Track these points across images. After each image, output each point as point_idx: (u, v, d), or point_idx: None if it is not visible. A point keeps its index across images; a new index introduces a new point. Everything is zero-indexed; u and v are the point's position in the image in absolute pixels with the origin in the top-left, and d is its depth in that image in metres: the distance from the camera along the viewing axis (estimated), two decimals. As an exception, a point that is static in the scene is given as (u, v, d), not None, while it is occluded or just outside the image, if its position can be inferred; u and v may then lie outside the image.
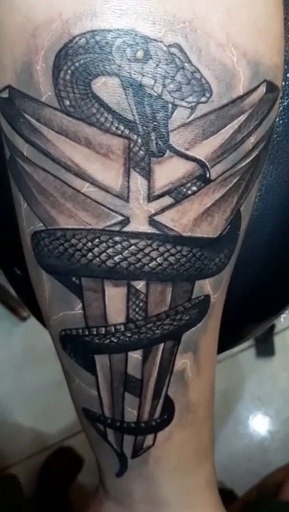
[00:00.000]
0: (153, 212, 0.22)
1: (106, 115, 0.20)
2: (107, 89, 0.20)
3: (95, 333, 0.24)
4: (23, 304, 1.05)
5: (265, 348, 1.07)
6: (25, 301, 0.38)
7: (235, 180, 0.23)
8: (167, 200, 0.22)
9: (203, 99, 0.20)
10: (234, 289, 0.28)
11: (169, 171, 0.21)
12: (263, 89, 0.21)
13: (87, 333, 0.25)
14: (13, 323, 1.05)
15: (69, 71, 0.20)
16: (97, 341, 0.25)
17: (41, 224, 0.23)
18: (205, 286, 0.24)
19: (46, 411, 1.00)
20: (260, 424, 1.07)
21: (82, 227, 0.22)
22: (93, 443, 0.30)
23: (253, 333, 0.43)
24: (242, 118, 0.21)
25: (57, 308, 0.25)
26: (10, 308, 1.02)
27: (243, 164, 0.22)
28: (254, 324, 0.42)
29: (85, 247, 0.22)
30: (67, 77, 0.20)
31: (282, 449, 1.05)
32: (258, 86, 0.21)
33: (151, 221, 0.22)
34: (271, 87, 0.22)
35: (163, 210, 0.22)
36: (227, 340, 0.34)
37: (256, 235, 0.33)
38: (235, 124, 0.21)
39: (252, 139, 0.22)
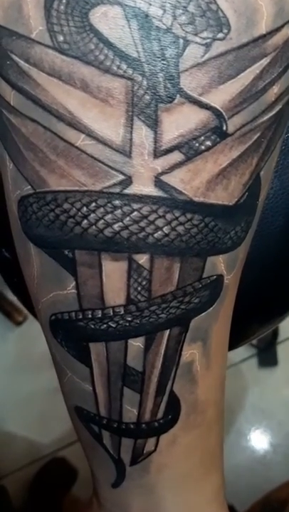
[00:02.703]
0: (160, 170, 0.18)
1: (106, 52, 0.17)
2: (108, 20, 0.17)
3: (90, 316, 0.21)
4: (17, 308, 1.01)
5: (268, 357, 1.03)
6: (15, 289, 0.35)
7: (255, 137, 0.19)
8: (177, 156, 0.18)
9: (220, 35, 0.17)
10: (241, 280, 0.25)
11: (179, 121, 0.18)
12: (287, 30, 0.18)
13: (80, 317, 0.21)
14: (7, 327, 1.01)
15: (64, 0, 0.17)
16: (93, 327, 0.21)
17: (29, 187, 0.20)
18: (218, 264, 0.21)
19: (40, 420, 0.96)
20: (262, 437, 1.03)
21: (76, 188, 0.19)
22: (87, 448, 0.26)
23: (256, 334, 0.40)
24: (264, 62, 0.18)
25: (47, 289, 0.22)
26: (4, 313, 0.99)
27: (265, 118, 0.19)
28: (259, 324, 0.39)
29: (80, 213, 0.19)
30: (62, 7, 0.17)
31: (284, 463, 1.01)
32: (283, 26, 0.18)
33: (158, 182, 0.19)
34: None
35: (171, 168, 0.18)
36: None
37: (270, 217, 0.30)
38: (256, 69, 0.18)
39: (275, 89, 0.19)
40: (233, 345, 0.37)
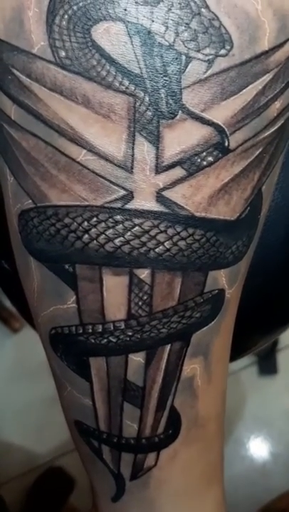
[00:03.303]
0: (161, 186, 0.18)
1: (108, 68, 0.17)
2: (110, 36, 0.17)
3: (90, 331, 0.21)
4: (15, 315, 1.01)
5: (268, 365, 1.03)
6: (14, 300, 0.34)
7: (257, 153, 0.19)
8: (178, 172, 0.18)
9: (223, 51, 0.17)
10: (242, 292, 0.25)
11: (181, 137, 0.18)
12: (290, 46, 0.18)
13: (81, 331, 0.21)
14: (4, 334, 1.01)
15: (66, 16, 0.17)
16: (93, 341, 0.21)
17: (30, 201, 0.20)
18: (219, 279, 0.21)
19: (37, 428, 0.95)
20: (261, 447, 1.02)
21: (78, 203, 0.19)
22: (86, 462, 0.26)
23: (257, 346, 0.40)
24: (267, 78, 0.18)
25: (47, 302, 0.21)
26: (1, 319, 0.98)
27: (267, 134, 0.19)
28: (260, 335, 0.38)
29: (81, 228, 0.19)
30: (64, 23, 0.17)
31: (284, 473, 1.00)
32: (285, 42, 0.18)
33: (159, 197, 0.19)
34: None
35: (173, 184, 0.18)
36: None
37: (271, 229, 0.30)
38: (258, 85, 0.18)
39: (277, 105, 0.19)
40: (234, 356, 0.36)
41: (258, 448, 1.01)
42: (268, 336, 0.38)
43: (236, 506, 0.97)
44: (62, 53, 0.17)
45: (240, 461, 1.01)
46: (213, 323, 0.22)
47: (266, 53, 0.18)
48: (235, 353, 0.37)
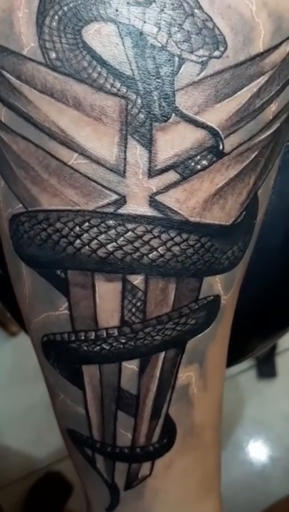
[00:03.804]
0: (154, 190, 0.18)
1: (99, 70, 0.17)
2: (101, 38, 0.16)
3: (82, 338, 0.21)
4: (12, 319, 1.00)
5: (267, 369, 1.02)
6: (8, 306, 0.34)
7: (252, 156, 0.19)
8: (172, 176, 0.18)
9: (217, 53, 0.17)
10: (240, 297, 0.24)
11: (174, 140, 0.17)
12: (286, 48, 0.18)
13: (73, 338, 0.21)
14: (1, 338, 1.00)
15: (56, 16, 0.17)
16: (86, 348, 0.21)
17: (21, 205, 0.19)
18: (215, 285, 0.21)
19: (34, 433, 0.94)
20: (261, 451, 1.02)
21: (69, 208, 0.18)
22: (80, 471, 0.25)
23: (256, 351, 0.39)
24: (262, 80, 0.18)
25: (38, 309, 0.21)
26: (-1, 323, 0.98)
27: (263, 137, 0.19)
28: (258, 340, 0.38)
29: (72, 233, 0.19)
30: (54, 24, 0.17)
31: (284, 477, 1.00)
32: (281, 44, 0.18)
33: (152, 202, 0.18)
34: None
35: (167, 188, 0.18)
36: (227, 357, 0.30)
37: (268, 233, 0.29)
38: (253, 87, 0.18)
39: (273, 107, 0.19)
40: (232, 361, 0.36)
41: (257, 452, 1.01)
42: (266, 341, 0.38)
43: (235, 510, 0.97)
44: (53, 55, 0.17)
45: (239, 465, 1.00)
46: (208, 329, 0.21)
47: (261, 55, 0.18)
48: (233, 359, 0.36)
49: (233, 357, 0.36)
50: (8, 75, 0.18)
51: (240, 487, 0.97)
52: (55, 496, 0.91)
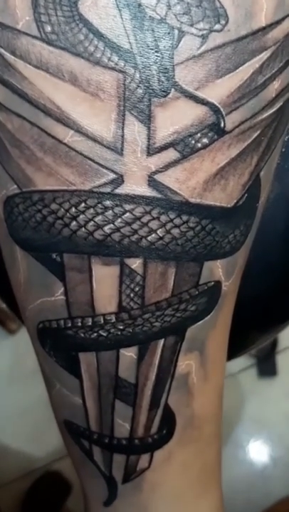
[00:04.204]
0: (153, 169, 0.17)
1: (96, 43, 0.16)
2: (98, 10, 0.16)
3: (79, 325, 0.20)
4: (11, 316, 0.99)
5: (267, 367, 1.02)
6: (3, 295, 0.33)
7: (255, 135, 0.18)
8: (172, 154, 0.17)
9: (218, 26, 0.16)
10: (240, 287, 0.24)
11: (174, 117, 0.17)
12: (288, 23, 0.17)
13: (69, 325, 0.20)
14: (0, 336, 0.99)
15: (51, -12, 0.16)
16: (82, 335, 0.20)
17: (15, 186, 0.19)
18: (216, 270, 0.20)
19: (34, 432, 0.94)
20: (261, 450, 1.01)
21: (65, 187, 0.18)
22: (77, 464, 0.25)
23: (255, 344, 0.39)
24: (264, 56, 0.17)
25: (34, 295, 0.20)
26: (-2, 321, 0.97)
27: (265, 115, 0.18)
28: (258, 333, 0.37)
29: (68, 215, 0.18)
30: (49, -5, 0.16)
31: (284, 477, 0.99)
32: (284, 19, 0.17)
33: (151, 181, 0.18)
34: None
35: (166, 167, 0.17)
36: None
37: (271, 221, 0.29)
38: (255, 63, 0.17)
39: (276, 85, 0.18)
40: (231, 355, 0.35)
41: (258, 451, 1.00)
42: (266, 334, 0.37)
43: (235, 510, 0.96)
44: (48, 28, 0.16)
45: (239, 465, 1.00)
46: (209, 317, 0.21)
47: (263, 30, 0.17)
48: (233, 352, 0.36)
49: (233, 350, 0.35)
50: (2, 51, 0.17)
51: (241, 486, 0.96)
52: (53, 495, 0.90)
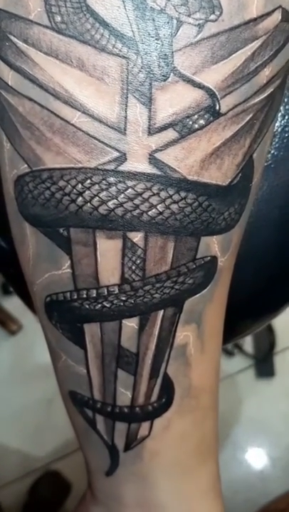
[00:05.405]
0: (154, 148, 0.19)
1: (102, 31, 0.18)
2: (104, 1, 0.17)
3: (84, 296, 0.21)
4: (12, 318, 1.00)
5: (265, 368, 1.03)
6: (11, 280, 0.35)
7: (247, 118, 0.20)
8: (171, 134, 0.19)
9: (213, 16, 0.18)
10: (234, 274, 0.25)
11: (173, 99, 0.18)
12: (278, 15, 0.19)
13: (75, 297, 0.21)
14: (1, 336, 1.00)
15: (61, -18, 0.18)
16: (87, 307, 0.21)
17: (25, 166, 0.20)
18: (212, 245, 0.21)
19: (34, 432, 0.94)
20: (259, 450, 1.01)
21: (72, 165, 0.19)
22: (81, 435, 0.26)
23: (248, 331, 0.40)
24: (255, 44, 0.19)
25: (42, 269, 0.22)
26: (-1, 321, 0.98)
27: (257, 100, 0.20)
28: (252, 319, 0.38)
29: (75, 191, 0.19)
30: (59, -12, 0.18)
31: (283, 477, 0.99)
32: (273, 11, 0.19)
33: (152, 159, 0.19)
34: (287, 15, 0.19)
35: (165, 146, 0.19)
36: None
37: (265, 209, 0.30)
38: (247, 51, 0.19)
39: (266, 72, 0.20)
40: (226, 339, 0.37)
41: (256, 451, 1.00)
42: (260, 320, 0.38)
43: (234, 510, 0.96)
44: (58, 18, 0.18)
45: (237, 465, 1.00)
46: (205, 291, 0.22)
47: (254, 20, 0.19)
48: (227, 336, 0.37)
49: (227, 335, 0.36)
50: (15, 40, 0.19)
51: (239, 486, 0.96)
52: (53, 495, 0.91)
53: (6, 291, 1.03)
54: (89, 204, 0.20)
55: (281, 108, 0.29)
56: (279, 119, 0.29)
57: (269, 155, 0.29)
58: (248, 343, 1.06)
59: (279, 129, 0.29)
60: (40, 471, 0.94)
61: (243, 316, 0.36)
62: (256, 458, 1.01)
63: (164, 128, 0.19)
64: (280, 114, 0.29)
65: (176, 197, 0.20)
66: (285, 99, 0.29)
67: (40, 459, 0.94)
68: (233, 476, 0.99)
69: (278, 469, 1.00)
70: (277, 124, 0.29)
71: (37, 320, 0.25)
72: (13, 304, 0.99)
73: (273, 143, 0.29)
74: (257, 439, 1.02)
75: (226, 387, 1.00)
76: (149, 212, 0.20)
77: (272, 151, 0.29)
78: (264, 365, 1.02)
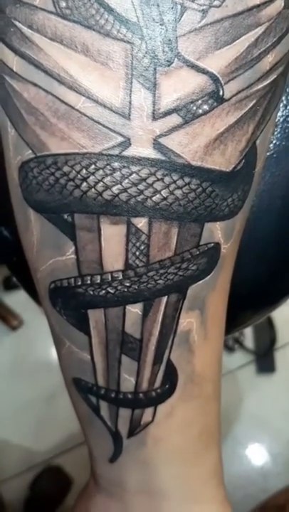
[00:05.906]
0: (158, 133, 0.19)
1: (106, 16, 0.18)
2: None
3: (88, 282, 0.21)
4: (13, 313, 1.00)
5: (266, 364, 1.03)
6: (14, 270, 0.35)
7: (251, 104, 0.20)
8: (175, 119, 0.19)
9: (216, 2, 0.18)
10: (236, 264, 0.25)
11: (177, 84, 0.18)
12: (281, 2, 0.19)
13: (80, 283, 0.21)
14: (2, 332, 1.00)
15: None
16: (92, 293, 0.21)
17: (30, 151, 0.20)
18: (215, 232, 0.21)
19: (34, 427, 0.95)
20: (260, 446, 1.02)
21: (76, 151, 0.19)
22: (84, 422, 0.26)
23: (249, 322, 0.40)
24: (258, 30, 0.19)
25: (46, 255, 0.22)
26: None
27: (260, 86, 0.20)
28: (253, 311, 0.38)
29: (79, 176, 0.20)
30: (64, -26, 0.18)
31: (283, 473, 1.00)
32: None
33: (156, 144, 0.19)
34: None
35: (170, 131, 0.19)
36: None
37: (267, 199, 0.30)
38: (251, 37, 0.19)
39: (270, 58, 0.20)
40: (226, 330, 0.37)
41: (257, 447, 1.01)
42: (260, 312, 0.38)
43: (234, 506, 0.97)
44: (63, 3, 0.18)
45: (238, 461, 1.00)
46: (209, 277, 0.22)
47: (258, 7, 0.19)
48: (228, 327, 0.37)
49: (228, 326, 0.37)
50: (20, 25, 0.19)
51: (240, 482, 0.97)
52: (55, 489, 0.91)
53: (7, 286, 1.03)
54: (93, 189, 0.20)
55: (283, 98, 0.29)
56: (281, 109, 0.29)
57: (271, 145, 0.29)
58: (248, 338, 1.06)
59: (281, 119, 0.29)
60: (41, 466, 0.94)
61: (243, 306, 0.36)
62: (256, 454, 1.01)
63: (168, 113, 0.19)
64: (282, 104, 0.29)
65: (180, 182, 0.20)
66: (287, 90, 0.29)
67: (42, 454, 0.95)
68: (233, 471, 0.99)
69: (279, 465, 1.01)
70: (279, 113, 0.29)
71: (38, 315, 0.25)
72: (14, 300, 0.99)
73: (275, 133, 0.29)
74: (257, 435, 1.02)
75: (226, 383, 1.00)
76: (153, 198, 0.20)
77: (274, 141, 0.29)
78: (265, 361, 1.03)
